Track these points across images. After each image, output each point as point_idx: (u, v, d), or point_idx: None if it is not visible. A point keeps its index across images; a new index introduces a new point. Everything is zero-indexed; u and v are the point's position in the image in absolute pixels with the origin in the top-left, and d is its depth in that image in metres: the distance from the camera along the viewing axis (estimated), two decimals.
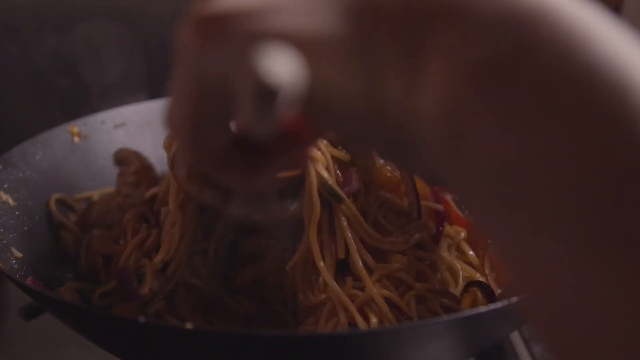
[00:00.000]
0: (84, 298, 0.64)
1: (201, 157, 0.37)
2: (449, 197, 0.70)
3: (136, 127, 0.79)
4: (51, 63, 0.98)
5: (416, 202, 0.65)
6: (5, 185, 0.67)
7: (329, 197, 0.59)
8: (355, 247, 0.59)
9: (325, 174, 0.59)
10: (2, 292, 0.78)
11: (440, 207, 0.67)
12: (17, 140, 0.72)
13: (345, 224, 0.59)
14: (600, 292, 0.26)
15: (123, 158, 0.73)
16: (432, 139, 0.31)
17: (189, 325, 0.51)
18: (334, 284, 0.58)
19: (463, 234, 0.68)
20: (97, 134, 0.78)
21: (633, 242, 0.25)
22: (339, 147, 0.61)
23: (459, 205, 0.70)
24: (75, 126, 0.77)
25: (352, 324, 0.57)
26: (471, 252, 0.67)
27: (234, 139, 0.37)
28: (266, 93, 0.29)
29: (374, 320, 0.56)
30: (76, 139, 0.76)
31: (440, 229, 0.65)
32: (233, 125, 0.37)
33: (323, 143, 0.60)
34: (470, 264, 0.66)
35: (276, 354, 0.50)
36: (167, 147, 0.63)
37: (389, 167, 0.65)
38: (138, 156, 0.73)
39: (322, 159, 0.59)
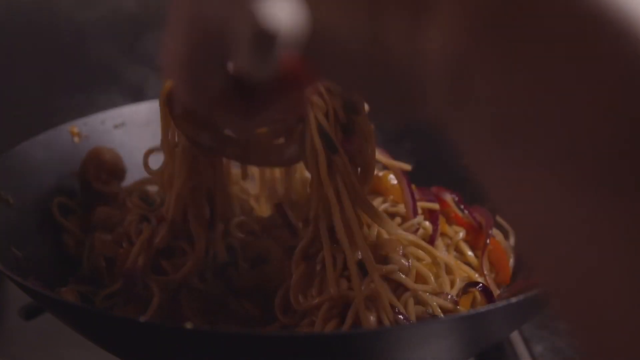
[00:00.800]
0: (85, 300, 0.64)
1: (198, 98, 0.37)
2: (448, 197, 0.70)
3: (136, 127, 0.79)
4: (51, 61, 0.98)
5: (411, 201, 0.65)
6: (6, 185, 0.67)
7: (323, 144, 0.56)
8: (352, 207, 0.57)
9: (324, 122, 0.56)
10: (2, 292, 0.78)
11: (435, 206, 0.67)
12: (17, 140, 0.72)
13: (340, 180, 0.56)
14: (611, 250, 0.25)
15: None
16: (435, 82, 0.30)
17: (189, 325, 0.51)
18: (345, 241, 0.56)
19: (462, 234, 0.67)
20: (97, 134, 0.78)
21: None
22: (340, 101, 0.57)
23: (458, 205, 0.70)
24: (75, 126, 0.77)
25: (351, 324, 0.57)
26: (470, 253, 0.67)
27: (232, 81, 0.36)
28: (265, 37, 0.29)
29: (372, 319, 0.56)
30: (76, 139, 0.76)
31: (435, 227, 0.65)
32: (231, 67, 0.36)
33: (325, 91, 0.56)
34: (469, 264, 0.66)
35: (276, 354, 0.50)
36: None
37: (391, 176, 0.65)
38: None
39: (322, 106, 0.56)
